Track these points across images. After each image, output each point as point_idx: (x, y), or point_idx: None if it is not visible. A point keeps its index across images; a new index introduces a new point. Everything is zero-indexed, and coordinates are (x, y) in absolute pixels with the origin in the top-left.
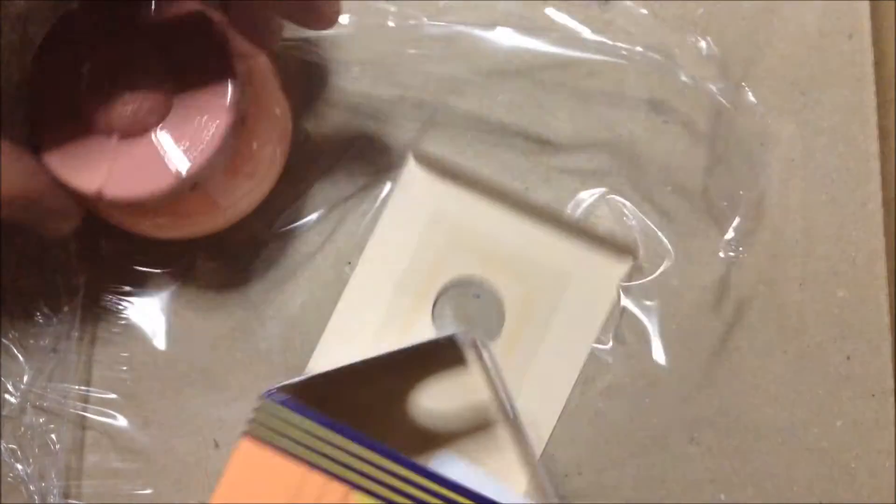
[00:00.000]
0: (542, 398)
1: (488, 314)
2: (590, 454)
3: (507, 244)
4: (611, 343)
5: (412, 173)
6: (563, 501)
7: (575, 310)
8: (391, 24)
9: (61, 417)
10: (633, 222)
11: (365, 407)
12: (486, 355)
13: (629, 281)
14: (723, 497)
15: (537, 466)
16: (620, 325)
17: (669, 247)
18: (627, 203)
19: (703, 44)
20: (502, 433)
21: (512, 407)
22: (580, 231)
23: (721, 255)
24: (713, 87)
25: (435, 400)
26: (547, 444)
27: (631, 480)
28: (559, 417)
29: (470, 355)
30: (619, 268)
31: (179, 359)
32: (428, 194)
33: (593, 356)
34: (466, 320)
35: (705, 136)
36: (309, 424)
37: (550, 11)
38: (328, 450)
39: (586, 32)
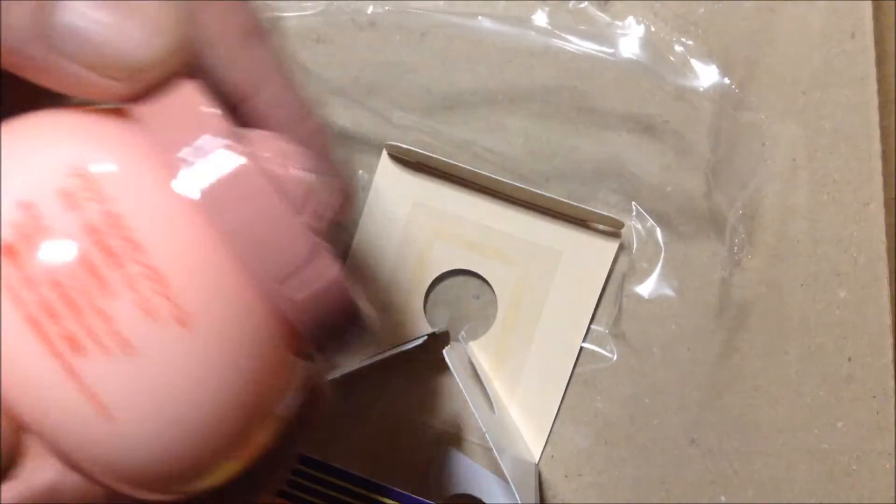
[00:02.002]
0: (541, 386)
1: (482, 304)
2: (590, 455)
3: (492, 230)
4: (611, 344)
5: (387, 169)
6: (563, 502)
7: (568, 290)
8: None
9: None
10: (634, 221)
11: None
12: (465, 350)
13: (629, 281)
14: (723, 498)
15: (510, 461)
16: (620, 325)
17: (670, 247)
18: (633, 204)
19: (703, 43)
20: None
21: (494, 401)
22: (567, 209)
23: (722, 255)
24: (714, 87)
25: (420, 401)
26: (546, 444)
27: (631, 481)
28: (559, 418)
29: (450, 352)
30: (611, 242)
31: None
32: (405, 189)
33: (593, 356)
34: (460, 311)
35: (706, 136)
36: (340, 483)
37: (550, 10)
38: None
39: (585, 31)
